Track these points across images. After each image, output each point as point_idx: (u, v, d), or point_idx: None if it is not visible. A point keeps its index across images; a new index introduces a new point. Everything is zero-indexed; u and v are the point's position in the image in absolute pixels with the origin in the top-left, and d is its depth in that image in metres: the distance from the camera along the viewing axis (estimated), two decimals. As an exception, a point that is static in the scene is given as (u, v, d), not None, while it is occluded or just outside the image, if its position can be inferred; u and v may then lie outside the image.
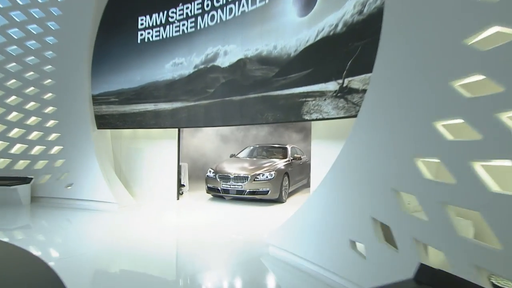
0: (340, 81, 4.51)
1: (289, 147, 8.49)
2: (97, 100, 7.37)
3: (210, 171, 7.60)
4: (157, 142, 7.64)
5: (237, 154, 8.81)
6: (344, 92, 4.49)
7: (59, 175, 6.99)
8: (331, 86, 4.63)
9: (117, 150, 8.01)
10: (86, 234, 4.95)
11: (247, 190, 6.96)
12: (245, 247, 4.45)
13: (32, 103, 7.14)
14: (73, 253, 4.05)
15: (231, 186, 7.05)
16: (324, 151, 5.38)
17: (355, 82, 4.33)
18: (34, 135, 7.12)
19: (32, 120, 7.14)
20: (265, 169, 7.18)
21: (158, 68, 6.94)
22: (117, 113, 7.30)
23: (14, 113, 7.05)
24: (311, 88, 4.91)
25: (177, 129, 7.43)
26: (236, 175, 7.09)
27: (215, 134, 9.92)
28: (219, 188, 7.21)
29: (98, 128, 7.33)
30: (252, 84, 5.74)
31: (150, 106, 7.02)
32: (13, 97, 7.05)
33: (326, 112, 4.72)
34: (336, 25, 4.55)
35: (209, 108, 6.37)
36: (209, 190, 7.52)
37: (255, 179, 6.95)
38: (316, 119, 4.87)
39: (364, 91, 4.17)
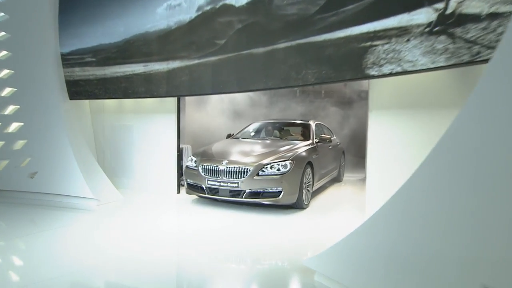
0: (441, 4, 2.83)
1: (312, 124, 6.17)
2: (67, 60, 5.79)
3: (191, 159, 5.25)
4: (150, 118, 6.09)
5: (237, 133, 6.40)
6: (447, 24, 2.82)
7: (20, 161, 5.53)
8: (422, 16, 2.97)
9: (99, 128, 6.49)
10: (53, 246, 3.50)
11: (247, 191, 4.60)
12: (277, 273, 2.94)
13: (-19, 66, 5.60)
14: (33, 278, 2.60)
15: (222, 184, 4.71)
16: (392, 129, 3.78)
17: (473, 2, 2.66)
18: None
19: (-18, 88, 5.62)
20: (276, 156, 4.78)
21: (147, 14, 5.30)
22: (95, 78, 5.73)
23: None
24: (383, 23, 3.25)
25: (176, 99, 5.86)
26: (229, 166, 4.69)
27: (227, 106, 8.26)
28: (204, 187, 4.88)
29: (71, 99, 5.80)
30: (283, 28, 4.09)
31: (138, 68, 5.43)
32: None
33: (411, 62, 3.08)
34: None
35: (219, 68, 4.76)
36: (190, 188, 5.16)
37: (260, 173, 4.59)
38: (391, 74, 3.24)
39: (494, 16, 2.51)
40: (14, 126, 5.64)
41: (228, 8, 4.60)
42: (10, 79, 5.63)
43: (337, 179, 7.06)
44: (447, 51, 2.84)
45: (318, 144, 5.75)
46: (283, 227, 4.23)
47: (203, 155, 5.15)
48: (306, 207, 4.98)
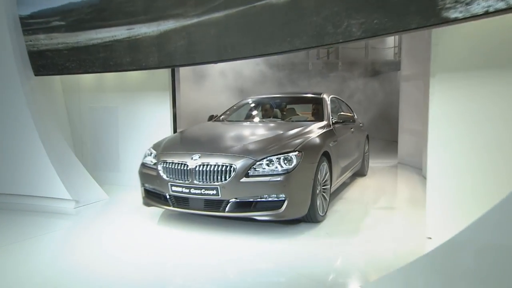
0: None
1: (327, 98, 4.75)
2: (29, 25, 4.77)
3: (149, 152, 3.80)
4: (138, 97, 5.17)
5: (222, 114, 4.96)
6: None
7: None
8: None
9: (75, 112, 5.54)
10: (7, 268, 2.62)
11: (231, 201, 3.19)
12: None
13: None
14: None
15: (193, 191, 3.26)
16: (467, 101, 2.93)
17: None
18: None
19: None
20: (275, 146, 3.38)
21: (129, -39, 4.30)
22: (66, 47, 4.74)
23: None
24: None
25: (169, 72, 4.93)
26: (203, 163, 3.26)
27: (232, 83, 7.22)
28: (167, 195, 3.44)
29: (36, 75, 4.81)
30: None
31: (121, 32, 4.45)
32: None
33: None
34: None
35: (226, 27, 3.83)
36: (148, 197, 3.69)
37: (251, 172, 3.19)
38: (487, 14, 2.37)
39: None
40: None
41: None
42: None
43: (360, 173, 5.74)
44: None
45: (336, 126, 4.39)
46: (291, 265, 2.68)
47: (166, 147, 3.68)
48: (322, 220, 3.61)
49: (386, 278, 2.25)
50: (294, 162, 3.23)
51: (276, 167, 3.19)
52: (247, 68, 7.41)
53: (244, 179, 3.15)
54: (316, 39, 3.31)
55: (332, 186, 3.97)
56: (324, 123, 4.23)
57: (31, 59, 4.81)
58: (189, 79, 6.83)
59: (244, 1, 3.67)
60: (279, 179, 3.13)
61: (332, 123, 4.35)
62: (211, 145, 3.54)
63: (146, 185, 3.67)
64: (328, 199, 3.79)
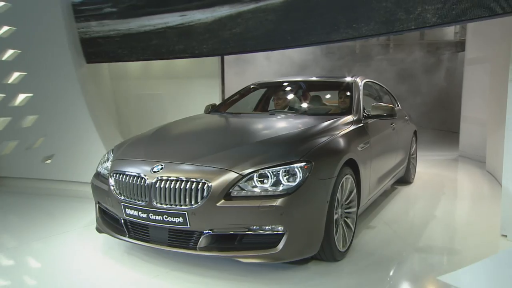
0: None
1: (359, 82, 3.83)
2: (81, 12, 5.08)
3: (107, 158, 3.04)
4: (185, 84, 5.41)
5: (223, 103, 4.29)
6: None
7: (31, 141, 4.97)
8: None
9: (121, 99, 5.86)
10: (78, 255, 2.94)
11: (205, 233, 2.36)
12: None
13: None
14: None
15: (152, 216, 2.43)
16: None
17: None
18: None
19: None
20: (273, 153, 2.52)
21: None
22: (118, 34, 5.03)
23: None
24: None
25: (219, 59, 5.14)
26: (165, 177, 2.42)
27: (275, 68, 7.42)
28: (121, 220, 2.68)
29: (88, 62, 5.14)
30: None
31: (174, 19, 4.68)
32: None
33: None
34: None
35: (284, 12, 3.97)
36: (102, 219, 2.94)
37: (234, 192, 2.35)
38: None
39: None
40: (21, 98, 5.05)
41: None
42: (11, 39, 4.98)
43: (403, 180, 4.87)
44: None
45: (370, 121, 3.51)
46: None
47: (124, 151, 2.94)
48: (342, 258, 2.73)
49: (465, 271, 2.40)
50: (299, 177, 2.37)
51: (272, 185, 2.35)
52: (292, 52, 7.53)
53: (223, 202, 2.30)
54: (385, 25, 3.40)
55: (360, 207, 3.09)
56: (351, 118, 3.34)
57: (83, 46, 5.14)
58: (231, 64, 7.03)
59: (306, -15, 3.80)
60: (275, 203, 2.27)
61: (364, 117, 3.48)
62: (182, 151, 2.74)
63: (100, 202, 2.90)
64: (354, 227, 2.91)
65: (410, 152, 4.93)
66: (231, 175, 2.34)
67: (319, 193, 2.45)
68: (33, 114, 4.98)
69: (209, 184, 2.31)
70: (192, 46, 4.65)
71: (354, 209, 2.90)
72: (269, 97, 4.38)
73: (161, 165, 2.49)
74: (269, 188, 2.33)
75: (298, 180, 2.35)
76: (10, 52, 5.04)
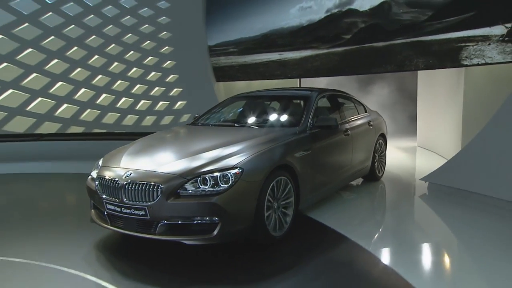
0: (509, 24, 6.17)
1: (313, 98, 5.21)
2: (214, 51, 9.62)
3: (97, 165, 4.40)
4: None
5: (203, 116, 5.72)
6: (512, 36, 6.17)
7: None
8: (497, 30, 6.32)
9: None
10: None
11: (161, 223, 3.60)
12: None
13: (150, 58, 9.57)
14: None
15: (124, 210, 3.73)
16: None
17: (527, 26, 5.99)
18: (155, 90, 9.63)
19: (152, 75, 9.62)
20: (212, 161, 3.78)
21: (281, 13, 8.93)
22: (237, 64, 9.53)
23: (134, 69, 9.55)
24: (472, 32, 6.62)
25: (298, 80, 9.51)
26: (132, 180, 3.72)
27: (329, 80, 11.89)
28: (105, 212, 3.96)
29: (217, 81, 9.65)
30: (399, 29, 7.54)
31: (274, 56, 9.13)
32: (131, 52, 9.52)
33: (490, 57, 6.45)
34: (506, -33, 6.13)
35: (345, 56, 8.31)
36: (95, 213, 4.27)
37: (182, 192, 3.60)
38: (478, 64, 6.63)
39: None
40: (178, 104, 9.61)
41: (353, 11, 8.10)
42: (173, 68, 9.57)
43: (370, 177, 6.49)
44: (512, 53, 6.18)
45: (316, 131, 4.80)
46: None
47: (108, 159, 4.32)
48: (276, 242, 3.99)
49: (439, 170, 6.57)
50: (232, 180, 3.57)
51: (211, 187, 3.53)
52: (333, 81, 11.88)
53: (172, 200, 3.51)
54: (399, 67, 7.69)
55: (303, 201, 4.40)
56: (296, 129, 4.65)
57: (215, 71, 9.66)
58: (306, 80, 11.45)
59: (356, 43, 8.12)
60: (211, 200, 3.46)
61: (310, 128, 4.75)
62: (148, 160, 4.02)
63: (93, 200, 4.22)
64: (289, 221, 4.14)
65: (375, 152, 6.45)
66: (178, 180, 3.56)
67: (247, 192, 3.67)
68: (187, 113, 9.53)
69: (161, 186, 3.52)
70: (286, 72, 9.06)
71: (291, 201, 4.19)
72: (243, 108, 5.83)
73: (131, 172, 3.78)
74: (209, 189, 3.53)
75: (230, 182, 3.56)
76: (171, 76, 9.65)
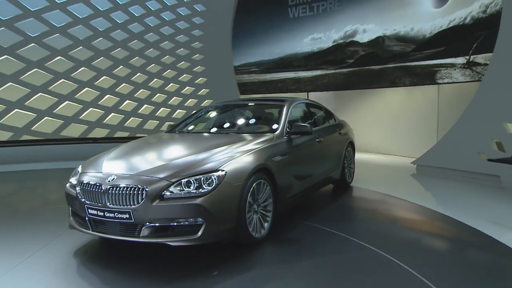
0: (467, 57, 10.39)
1: (287, 106, 5.86)
2: (238, 70, 13.19)
3: (77, 171, 4.79)
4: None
5: (180, 123, 6.37)
6: (470, 65, 10.38)
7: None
8: (460, 60, 10.48)
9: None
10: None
11: (145, 225, 3.99)
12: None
13: (185, 75, 12.99)
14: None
15: (107, 214, 4.08)
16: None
17: (479, 58, 10.23)
18: (189, 102, 13.02)
19: (186, 89, 13.01)
20: (196, 165, 4.26)
21: (296, 42, 12.72)
22: (258, 81, 13.17)
23: (171, 84, 12.91)
24: (444, 61, 10.76)
25: (306, 94, 13.33)
26: (116, 184, 4.11)
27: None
28: (86, 218, 4.28)
29: (241, 94, 13.22)
30: (390, 57, 11.56)
31: (290, 74, 12.87)
32: (168, 70, 12.88)
33: (456, 78, 10.62)
34: (465, 18, 10.32)
35: (349, 75, 12.22)
36: (74, 218, 4.61)
37: (166, 195, 4.01)
38: (447, 83, 10.80)
39: (485, 64, 10.10)
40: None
41: (355, 42, 12.04)
42: (205, 84, 13.03)
43: (341, 183, 7.24)
44: (470, 75, 10.30)
45: (292, 137, 5.47)
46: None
47: (88, 165, 4.71)
48: (257, 243, 4.51)
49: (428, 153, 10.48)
50: (215, 183, 4.05)
51: (195, 189, 3.99)
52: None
53: (157, 202, 3.93)
54: (391, 84, 11.69)
55: (279, 205, 4.94)
56: (273, 135, 5.24)
57: (239, 86, 13.18)
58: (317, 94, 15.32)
59: (359, 65, 12.03)
60: (195, 202, 3.91)
61: (285, 134, 5.38)
62: (131, 164, 4.51)
63: (71, 206, 4.58)
64: (269, 221, 4.71)
65: (344, 159, 7.22)
66: (163, 182, 4.02)
67: (230, 194, 4.19)
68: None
69: (146, 189, 3.95)
70: (300, 87, 12.77)
71: (270, 203, 4.74)
72: (220, 116, 6.55)
73: (114, 176, 4.18)
74: (193, 191, 3.99)
75: (214, 184, 4.06)
76: (203, 90, 13.11)
